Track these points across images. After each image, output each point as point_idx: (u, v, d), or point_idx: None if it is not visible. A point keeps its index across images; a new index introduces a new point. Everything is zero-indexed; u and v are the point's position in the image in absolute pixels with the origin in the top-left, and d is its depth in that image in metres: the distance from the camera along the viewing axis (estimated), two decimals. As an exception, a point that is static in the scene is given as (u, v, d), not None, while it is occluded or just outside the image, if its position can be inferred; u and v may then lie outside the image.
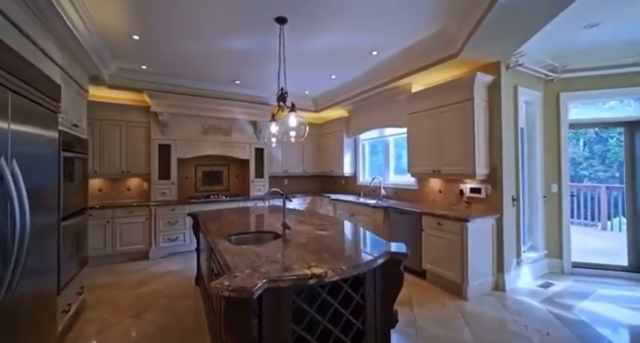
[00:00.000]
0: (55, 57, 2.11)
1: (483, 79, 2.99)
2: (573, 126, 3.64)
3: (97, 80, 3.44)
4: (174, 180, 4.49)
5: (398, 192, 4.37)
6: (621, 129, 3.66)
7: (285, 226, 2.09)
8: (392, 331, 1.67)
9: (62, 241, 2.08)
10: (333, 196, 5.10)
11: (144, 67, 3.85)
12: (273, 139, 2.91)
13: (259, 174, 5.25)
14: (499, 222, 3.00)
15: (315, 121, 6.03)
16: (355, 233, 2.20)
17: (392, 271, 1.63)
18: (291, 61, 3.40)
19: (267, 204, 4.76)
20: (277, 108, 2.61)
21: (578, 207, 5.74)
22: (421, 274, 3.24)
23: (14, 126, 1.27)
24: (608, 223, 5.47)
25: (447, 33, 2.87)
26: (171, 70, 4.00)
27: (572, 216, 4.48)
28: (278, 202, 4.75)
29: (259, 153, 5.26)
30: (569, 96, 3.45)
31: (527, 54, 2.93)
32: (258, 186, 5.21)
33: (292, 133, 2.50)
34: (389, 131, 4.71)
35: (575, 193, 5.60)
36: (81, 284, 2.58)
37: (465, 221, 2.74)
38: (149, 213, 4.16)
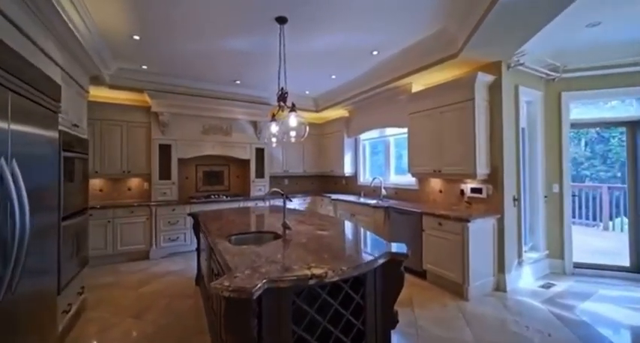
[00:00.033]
0: (55, 57, 2.11)
1: (484, 78, 2.98)
2: (575, 125, 3.62)
3: (97, 80, 3.44)
4: (174, 180, 4.49)
5: (398, 192, 4.36)
6: (623, 129, 3.65)
7: (285, 226, 2.08)
8: (392, 331, 1.67)
9: (62, 241, 2.08)
10: (334, 196, 5.09)
11: (144, 67, 3.86)
12: (274, 139, 2.91)
13: (260, 174, 5.25)
14: (500, 222, 2.99)
15: (315, 121, 6.02)
16: (355, 233, 2.19)
17: (392, 271, 1.62)
18: (292, 61, 3.40)
19: (267, 204, 4.76)
20: (277, 108, 2.60)
21: (580, 207, 5.72)
22: (422, 274, 3.23)
23: (14, 126, 1.27)
24: (610, 223, 5.45)
25: (447, 33, 2.86)
26: (172, 70, 4.01)
27: (574, 216, 4.47)
28: (278, 202, 4.75)
29: (260, 153, 5.26)
30: (571, 96, 3.43)
31: (528, 53, 2.92)
32: (259, 186, 5.21)
33: (292, 133, 2.50)
34: (389, 131, 4.70)
35: (576, 193, 5.58)
36: (81, 284, 2.58)
37: (466, 221, 2.73)
38: (150, 213, 4.16)
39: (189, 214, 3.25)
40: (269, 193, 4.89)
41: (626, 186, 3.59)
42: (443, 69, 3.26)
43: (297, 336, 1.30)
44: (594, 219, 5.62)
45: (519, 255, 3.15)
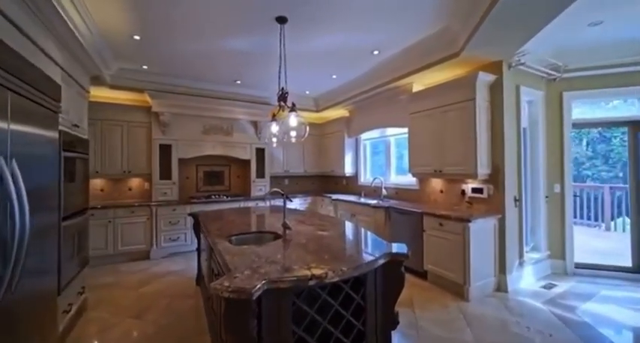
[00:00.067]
0: (55, 57, 2.11)
1: (485, 78, 2.97)
2: (576, 125, 3.61)
3: (98, 80, 3.44)
4: (175, 180, 4.49)
5: (399, 192, 4.35)
6: (625, 129, 3.63)
7: (285, 226, 2.08)
8: (393, 332, 1.66)
9: (63, 241, 2.08)
10: (334, 196, 5.09)
11: (145, 67, 3.86)
12: (274, 139, 2.91)
13: (260, 174, 5.25)
14: (501, 223, 2.98)
15: (316, 121, 6.02)
16: (356, 233, 2.18)
17: (393, 272, 1.62)
18: (292, 61, 3.39)
19: (268, 204, 4.76)
20: (278, 108, 2.60)
21: (581, 208, 5.70)
22: (422, 275, 3.22)
23: (14, 127, 1.27)
24: (612, 223, 5.43)
25: (448, 32, 2.85)
26: (172, 70, 4.01)
27: (575, 217, 4.46)
28: (279, 202, 4.75)
29: (260, 153, 5.26)
30: (572, 96, 3.42)
31: (530, 53, 2.91)
32: (259, 186, 5.21)
33: (293, 133, 2.49)
34: (390, 131, 4.69)
35: (578, 193, 5.56)
36: (82, 284, 2.58)
37: (467, 221, 2.72)
38: (150, 213, 4.17)
39: (190, 214, 3.26)
40: (269, 193, 4.90)
41: (627, 186, 3.58)
42: (444, 68, 3.25)
43: (298, 337, 1.30)
44: (596, 219, 5.61)
45: (520, 256, 3.13)
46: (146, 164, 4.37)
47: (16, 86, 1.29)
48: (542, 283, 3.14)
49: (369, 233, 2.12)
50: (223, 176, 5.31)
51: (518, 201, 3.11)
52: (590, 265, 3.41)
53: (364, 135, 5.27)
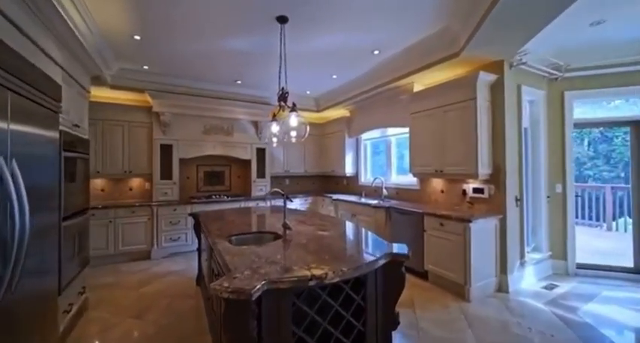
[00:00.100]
0: (55, 57, 2.11)
1: (486, 78, 2.96)
2: (578, 125, 3.59)
3: (98, 80, 3.44)
4: (175, 180, 4.49)
5: (400, 193, 4.35)
6: (627, 129, 3.61)
7: (285, 227, 2.07)
8: (393, 333, 1.66)
9: (63, 241, 2.09)
10: (335, 196, 5.08)
11: (145, 67, 3.86)
12: (274, 139, 2.91)
13: (261, 174, 5.25)
14: (502, 223, 2.97)
15: (316, 121, 6.01)
16: (356, 233, 2.18)
17: (393, 272, 1.61)
18: (293, 61, 3.39)
19: (268, 204, 4.76)
20: (278, 108, 2.60)
21: (583, 208, 5.68)
22: (423, 275, 3.22)
23: (14, 127, 1.27)
24: (614, 224, 5.41)
25: (449, 31, 2.84)
26: (173, 70, 4.01)
27: (577, 217, 4.43)
28: (279, 202, 4.74)
29: (261, 153, 5.26)
30: (574, 95, 3.41)
31: (531, 52, 2.90)
32: (260, 186, 5.21)
33: (293, 133, 2.49)
34: (391, 131, 4.68)
35: (579, 193, 5.54)
36: (82, 284, 2.58)
37: (468, 221, 2.71)
38: (151, 213, 4.17)
39: (190, 214, 3.26)
40: (269, 193, 4.90)
41: (629, 186, 3.56)
42: (445, 68, 3.25)
43: (298, 337, 1.30)
44: (597, 219, 5.59)
45: (522, 256, 3.12)
46: (147, 164, 4.37)
47: (16, 86, 1.29)
48: (544, 283, 3.13)
49: (369, 233, 2.12)
50: (224, 176, 5.31)
51: (519, 201, 3.10)
52: (591, 265, 3.40)
53: (365, 135, 5.26)
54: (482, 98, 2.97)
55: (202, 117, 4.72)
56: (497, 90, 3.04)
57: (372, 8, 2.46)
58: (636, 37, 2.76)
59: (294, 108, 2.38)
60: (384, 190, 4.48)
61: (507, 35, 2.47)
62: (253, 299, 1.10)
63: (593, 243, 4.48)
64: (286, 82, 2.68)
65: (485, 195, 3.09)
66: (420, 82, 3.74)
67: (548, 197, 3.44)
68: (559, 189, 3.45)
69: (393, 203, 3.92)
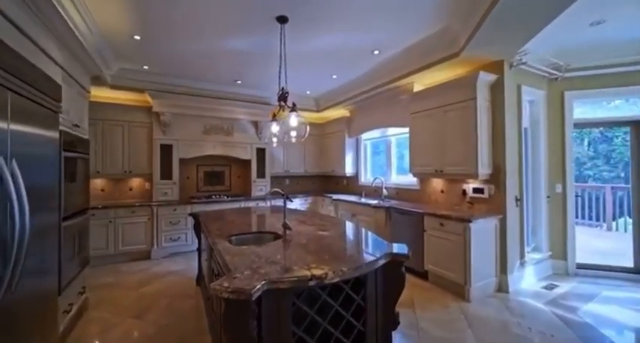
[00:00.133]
0: (55, 57, 2.11)
1: (486, 78, 2.96)
2: (578, 125, 3.59)
3: (99, 80, 3.44)
4: (175, 180, 4.49)
5: (400, 193, 4.35)
6: (627, 129, 3.61)
7: (285, 227, 2.07)
8: (393, 333, 1.66)
9: (63, 241, 2.09)
10: (335, 196, 5.08)
11: (145, 67, 3.86)
12: (274, 139, 2.91)
13: (261, 174, 5.25)
14: (502, 223, 2.97)
15: (316, 121, 6.01)
16: (356, 233, 2.18)
17: (393, 272, 1.61)
18: (293, 61, 3.39)
19: (268, 204, 4.76)
20: (278, 107, 2.60)
21: (583, 208, 5.68)
22: (423, 275, 3.22)
23: (14, 126, 1.27)
24: (614, 224, 5.41)
25: (449, 31, 2.84)
26: (173, 70, 4.01)
27: (577, 217, 4.43)
28: (279, 202, 4.74)
29: (261, 153, 5.26)
30: (574, 95, 3.40)
31: (531, 52, 2.90)
32: (260, 186, 5.21)
33: (293, 133, 2.49)
34: (391, 131, 4.68)
35: (579, 193, 5.54)
36: (83, 284, 2.58)
37: (468, 221, 2.71)
38: (151, 213, 4.17)
39: (190, 214, 3.26)
40: (269, 193, 4.90)
41: (629, 186, 3.56)
42: (445, 68, 3.24)
43: (298, 337, 1.30)
44: (597, 219, 5.59)
45: (522, 256, 3.12)
46: (147, 164, 4.37)
47: (16, 86, 1.29)
48: (544, 283, 3.13)
49: (369, 233, 2.12)
50: (224, 176, 5.31)
51: (519, 201, 3.10)
52: (591, 266, 3.39)
53: (365, 135, 5.26)
54: (482, 98, 2.97)
55: (202, 117, 4.72)
56: (497, 90, 3.04)
57: (372, 8, 2.46)
58: (636, 36, 2.76)
59: (294, 108, 2.38)
60: (384, 190, 4.48)
61: (507, 35, 2.47)
62: (253, 299, 1.10)
63: (593, 243, 4.48)
64: (286, 81, 2.68)
65: (486, 195, 3.09)
66: (420, 82, 3.74)
67: (548, 197, 3.44)
68: (559, 189, 3.45)
69: (393, 203, 3.92)
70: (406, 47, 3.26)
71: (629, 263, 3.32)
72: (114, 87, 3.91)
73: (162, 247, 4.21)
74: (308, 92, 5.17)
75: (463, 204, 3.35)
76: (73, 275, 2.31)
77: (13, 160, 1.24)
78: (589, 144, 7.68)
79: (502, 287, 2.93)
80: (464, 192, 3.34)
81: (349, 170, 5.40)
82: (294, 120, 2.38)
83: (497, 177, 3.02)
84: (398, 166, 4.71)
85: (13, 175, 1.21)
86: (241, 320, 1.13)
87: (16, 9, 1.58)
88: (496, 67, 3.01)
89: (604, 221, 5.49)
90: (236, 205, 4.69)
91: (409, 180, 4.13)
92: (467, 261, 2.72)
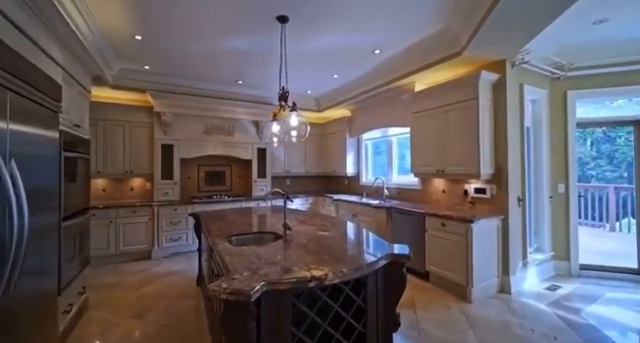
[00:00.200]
0: (56, 57, 2.11)
1: (488, 77, 2.94)
2: (580, 125, 3.56)
3: (100, 80, 3.45)
4: (176, 180, 4.50)
5: (401, 193, 4.33)
6: (630, 128, 3.58)
7: (286, 227, 2.06)
8: (394, 334, 1.64)
9: (63, 241, 2.08)
10: (336, 196, 5.07)
11: (146, 67, 3.87)
12: (275, 139, 2.90)
13: (262, 174, 5.25)
14: (504, 223, 2.95)
15: (317, 121, 6.01)
16: (357, 234, 2.17)
17: (394, 273, 1.60)
18: (293, 61, 3.38)
19: (269, 204, 4.75)
20: (279, 107, 2.59)
21: (586, 208, 5.64)
22: (424, 276, 3.20)
23: (13, 126, 1.26)
24: (617, 224, 5.37)
25: (450, 31, 2.82)
26: (174, 70, 4.01)
27: (580, 217, 4.40)
28: (280, 202, 4.74)
29: (262, 153, 5.26)
30: (577, 95, 3.38)
31: (533, 51, 2.87)
32: (261, 187, 5.21)
33: (293, 133, 2.48)
34: (392, 131, 4.67)
35: (582, 194, 5.50)
36: (83, 285, 2.59)
37: (470, 222, 2.69)
38: (152, 213, 4.17)
39: (191, 214, 3.25)
40: (270, 193, 4.89)
41: (633, 186, 3.53)
42: (446, 68, 3.23)
43: (297, 339, 1.28)
44: (600, 219, 5.54)
45: (524, 257, 3.10)
46: (148, 164, 4.38)
47: (16, 86, 1.28)
48: (546, 284, 3.10)
49: (370, 233, 2.10)
50: (225, 176, 5.31)
51: (521, 201, 3.07)
52: (594, 266, 3.36)
53: (366, 135, 5.25)
54: (484, 97, 2.95)
55: (203, 117, 4.72)
56: (499, 89, 3.02)
57: (372, 8, 2.45)
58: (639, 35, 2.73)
59: (294, 108, 2.37)
60: (385, 190, 4.46)
61: (508, 35, 2.45)
62: (252, 300, 1.09)
63: (596, 244, 4.45)
64: (287, 81, 2.67)
65: (487, 195, 3.07)
66: (421, 82, 3.72)
67: (550, 197, 3.42)
68: (562, 189, 3.42)
69: (394, 203, 3.90)
70: (407, 47, 3.24)
71: (633, 264, 3.28)
72: (115, 87, 3.91)
73: (162, 247, 4.21)
74: (309, 92, 5.16)
75: (465, 205, 3.33)
76: (73, 276, 2.31)
77: (12, 160, 1.23)
78: (592, 144, 7.64)
79: (504, 288, 2.91)
80: (465, 192, 3.32)
81: (350, 170, 5.39)
82: (294, 119, 2.37)
83: (499, 177, 3.00)
84: (399, 166, 4.69)
85: (12, 175, 1.21)
86: (240, 321, 1.12)
87: (16, 9, 1.58)
88: (498, 66, 2.99)
89: (607, 221, 5.44)
90: (237, 205, 4.69)
91: (410, 180, 4.12)
92: (468, 262, 2.70)
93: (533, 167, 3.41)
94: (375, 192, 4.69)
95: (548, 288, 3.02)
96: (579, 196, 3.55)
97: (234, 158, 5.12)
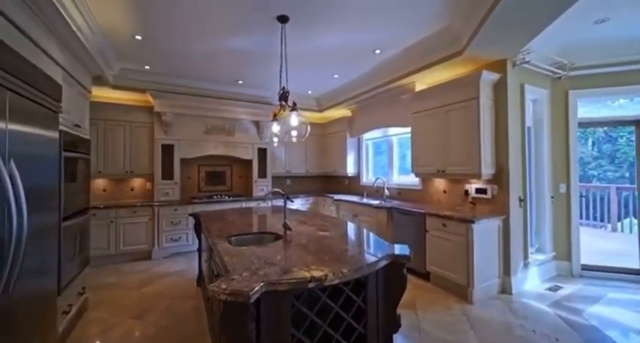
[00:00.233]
0: (56, 57, 2.11)
1: (489, 77, 2.93)
2: (582, 125, 3.55)
3: (100, 80, 3.45)
4: (177, 180, 4.50)
5: (402, 193, 4.32)
6: (631, 128, 3.56)
7: (286, 227, 2.06)
8: (395, 335, 1.64)
9: (63, 241, 2.08)
10: (336, 196, 5.06)
11: (147, 67, 3.87)
12: (275, 139, 2.90)
13: (262, 174, 5.25)
14: (505, 223, 2.94)
15: (318, 121, 6.00)
16: (358, 234, 2.16)
17: (395, 273, 1.59)
18: (294, 61, 3.38)
19: (269, 204, 4.74)
20: (279, 107, 2.58)
21: (587, 208, 5.62)
22: (425, 276, 3.19)
23: (13, 126, 1.26)
24: (619, 224, 5.35)
25: (451, 31, 2.82)
26: (174, 70, 4.01)
27: (581, 217, 4.38)
28: (280, 202, 4.73)
29: (262, 153, 5.26)
30: (578, 94, 3.36)
31: (535, 51, 2.86)
32: (261, 187, 5.20)
33: (294, 133, 2.48)
34: (393, 131, 4.66)
35: (584, 194, 5.48)
36: (83, 285, 2.58)
37: (471, 222, 2.68)
38: (152, 213, 4.17)
39: (191, 214, 3.25)
40: (270, 193, 4.89)
41: (635, 186, 3.52)
42: (447, 67, 3.22)
43: (297, 340, 1.28)
44: (602, 220, 5.52)
45: (525, 257, 3.08)
46: (148, 164, 4.38)
47: (16, 86, 1.28)
48: (548, 285, 3.09)
49: (370, 234, 2.10)
50: (225, 176, 5.31)
51: (522, 201, 3.06)
52: (596, 267, 3.35)
53: (366, 135, 5.24)
54: (485, 97, 2.94)
55: (204, 117, 4.72)
56: (500, 89, 3.01)
57: (372, 8, 2.45)
58: (642, 35, 2.72)
59: (294, 108, 2.37)
60: (386, 190, 4.45)
61: (509, 35, 2.44)
62: (251, 301, 1.08)
63: (597, 244, 4.43)
64: (287, 81, 2.67)
65: (488, 196, 3.06)
66: (422, 82, 3.71)
67: (552, 197, 3.40)
68: (563, 189, 3.41)
69: (395, 203, 3.90)
70: (407, 47, 3.24)
71: (635, 264, 3.27)
72: (115, 87, 3.91)
73: (163, 247, 4.21)
74: (309, 92, 5.16)
75: (465, 205, 3.32)
76: (73, 276, 2.30)
77: (12, 160, 1.23)
78: (593, 143, 7.62)
79: (505, 289, 2.89)
80: (466, 193, 3.31)
81: (351, 170, 5.38)
82: (294, 119, 2.37)
83: (500, 177, 2.99)
84: (400, 166, 4.68)
85: (11, 175, 1.20)
86: (239, 322, 1.11)
87: (16, 9, 1.58)
88: (499, 66, 2.98)
89: (609, 222, 5.42)
90: (237, 205, 4.69)
91: (411, 180, 4.11)
92: (469, 262, 2.69)
93: (535, 167, 3.39)
94: (376, 192, 4.68)
95: (550, 289, 3.00)
96: (581, 196, 3.54)
97: (235, 158, 5.12)
